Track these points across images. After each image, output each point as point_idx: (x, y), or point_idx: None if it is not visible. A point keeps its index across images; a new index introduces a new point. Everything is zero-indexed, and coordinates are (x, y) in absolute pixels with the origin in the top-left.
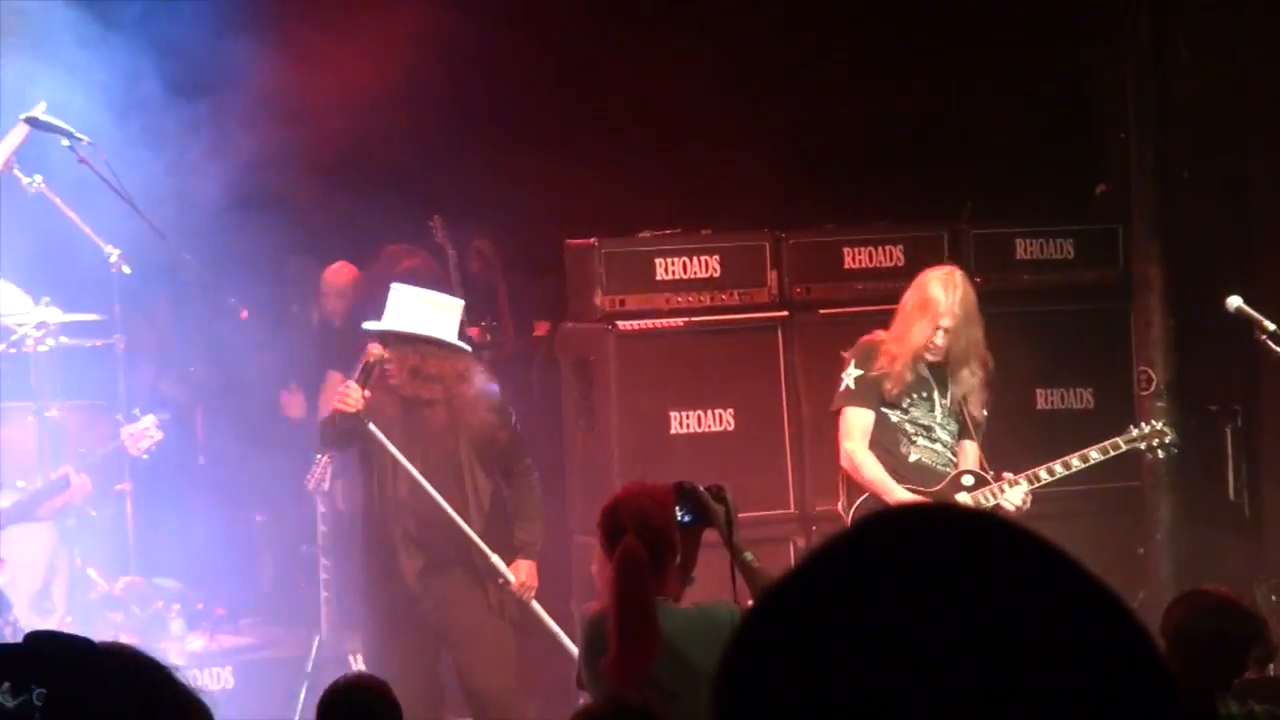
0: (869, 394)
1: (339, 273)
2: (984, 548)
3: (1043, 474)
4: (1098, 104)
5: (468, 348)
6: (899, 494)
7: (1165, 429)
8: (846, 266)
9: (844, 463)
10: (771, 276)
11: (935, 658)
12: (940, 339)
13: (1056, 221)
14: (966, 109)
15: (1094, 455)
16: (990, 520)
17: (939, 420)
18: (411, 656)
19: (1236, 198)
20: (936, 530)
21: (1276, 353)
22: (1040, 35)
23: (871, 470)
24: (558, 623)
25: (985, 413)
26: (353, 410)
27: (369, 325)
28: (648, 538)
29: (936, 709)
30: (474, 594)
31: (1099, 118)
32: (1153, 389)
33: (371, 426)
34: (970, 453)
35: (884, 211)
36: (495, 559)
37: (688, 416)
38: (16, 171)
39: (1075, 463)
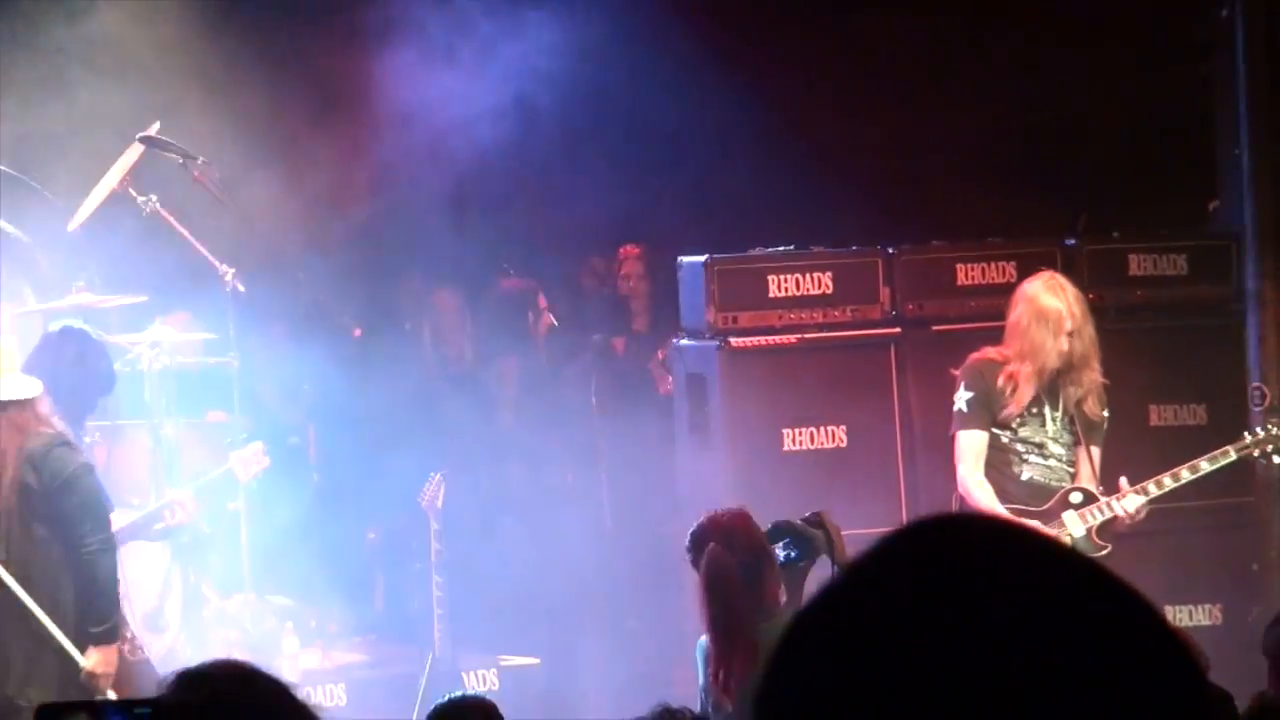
0: (981, 415)
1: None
2: (999, 556)
3: (1151, 487)
4: (1212, 118)
5: (16, 397)
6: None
7: (1278, 434)
8: (959, 283)
9: (959, 488)
10: (884, 293)
11: (950, 663)
12: (1066, 344)
13: (1170, 237)
14: (1079, 123)
15: (1204, 465)
16: (1007, 529)
17: (1051, 434)
18: None
19: None
20: (951, 541)
21: None
22: (1154, 48)
23: (980, 497)
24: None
25: (1106, 412)
26: None
27: None
28: (732, 544)
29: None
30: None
31: (1213, 132)
32: (1267, 404)
33: None
34: (1086, 462)
35: (996, 227)
36: (63, 639)
37: (800, 434)
38: (131, 191)
39: (1185, 474)
